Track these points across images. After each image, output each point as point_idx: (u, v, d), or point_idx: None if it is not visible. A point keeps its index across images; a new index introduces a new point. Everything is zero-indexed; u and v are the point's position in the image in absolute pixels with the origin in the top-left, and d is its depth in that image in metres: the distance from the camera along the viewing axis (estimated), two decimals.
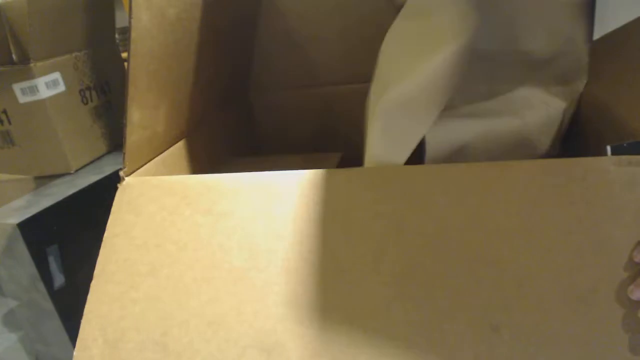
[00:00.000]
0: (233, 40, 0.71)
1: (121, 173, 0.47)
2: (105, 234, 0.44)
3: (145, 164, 0.52)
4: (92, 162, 0.76)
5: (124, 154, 0.47)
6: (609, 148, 0.36)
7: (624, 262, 0.32)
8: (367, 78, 0.74)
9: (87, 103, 0.75)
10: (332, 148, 0.76)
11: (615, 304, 0.32)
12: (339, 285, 0.36)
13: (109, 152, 0.79)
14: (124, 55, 0.77)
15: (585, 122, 0.52)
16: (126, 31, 0.45)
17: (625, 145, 0.36)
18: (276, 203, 0.40)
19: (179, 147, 0.60)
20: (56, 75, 0.70)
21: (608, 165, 0.35)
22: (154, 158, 0.54)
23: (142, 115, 0.49)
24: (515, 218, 0.35)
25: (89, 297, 0.41)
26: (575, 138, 0.57)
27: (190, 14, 0.54)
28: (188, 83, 0.59)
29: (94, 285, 0.42)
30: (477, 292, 0.34)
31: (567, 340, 0.32)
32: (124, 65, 0.83)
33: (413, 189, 0.38)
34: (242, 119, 0.82)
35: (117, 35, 0.84)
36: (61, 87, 0.70)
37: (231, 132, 0.76)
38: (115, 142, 0.80)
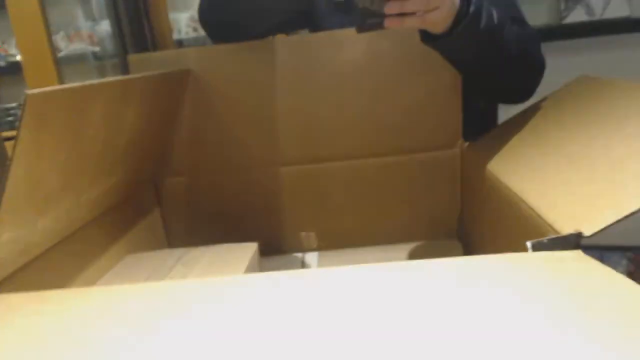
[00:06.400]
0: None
1: None
2: None
3: (14, 273, 0.43)
4: None
5: None
6: (529, 244, 0.33)
7: None
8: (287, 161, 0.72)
9: None
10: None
11: None
12: None
13: None
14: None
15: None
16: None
17: (545, 241, 0.33)
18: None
19: (64, 249, 0.51)
20: None
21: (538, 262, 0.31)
22: (25, 265, 0.45)
23: (14, 235, 0.41)
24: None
25: None
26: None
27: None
28: (79, 184, 0.52)
29: None
30: None
31: None
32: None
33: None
34: (147, 208, 0.74)
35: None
36: None
37: (134, 223, 0.69)
38: None
